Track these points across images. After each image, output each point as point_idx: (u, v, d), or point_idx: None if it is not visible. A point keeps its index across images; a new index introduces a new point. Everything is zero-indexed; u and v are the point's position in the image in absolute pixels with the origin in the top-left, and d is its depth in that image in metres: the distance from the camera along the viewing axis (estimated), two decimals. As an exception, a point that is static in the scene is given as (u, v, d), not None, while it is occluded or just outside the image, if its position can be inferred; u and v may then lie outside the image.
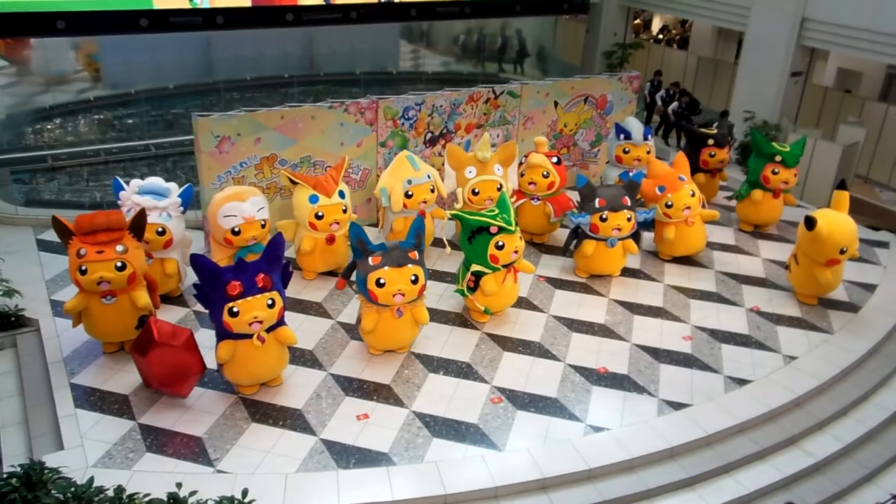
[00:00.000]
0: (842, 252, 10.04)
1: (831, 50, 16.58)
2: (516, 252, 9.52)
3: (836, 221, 9.98)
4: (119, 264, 8.30)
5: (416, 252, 8.72)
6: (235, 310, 7.67)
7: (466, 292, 9.83)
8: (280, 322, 8.12)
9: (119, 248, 8.34)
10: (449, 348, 9.46)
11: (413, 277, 8.58)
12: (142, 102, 18.05)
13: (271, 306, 7.80)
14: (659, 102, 17.78)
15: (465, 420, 8.20)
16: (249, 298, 7.68)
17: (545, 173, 11.61)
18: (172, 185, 9.91)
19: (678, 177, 11.31)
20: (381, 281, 8.48)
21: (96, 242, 8.28)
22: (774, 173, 12.35)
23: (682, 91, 17.24)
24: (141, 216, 8.69)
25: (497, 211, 9.51)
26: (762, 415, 8.50)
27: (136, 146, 15.86)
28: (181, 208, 9.89)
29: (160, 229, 9.55)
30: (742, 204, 12.97)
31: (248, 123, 10.89)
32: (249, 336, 7.86)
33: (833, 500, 7.95)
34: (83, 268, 8.25)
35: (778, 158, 12.29)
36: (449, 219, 11.05)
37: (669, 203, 11.18)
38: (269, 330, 7.99)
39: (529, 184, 11.67)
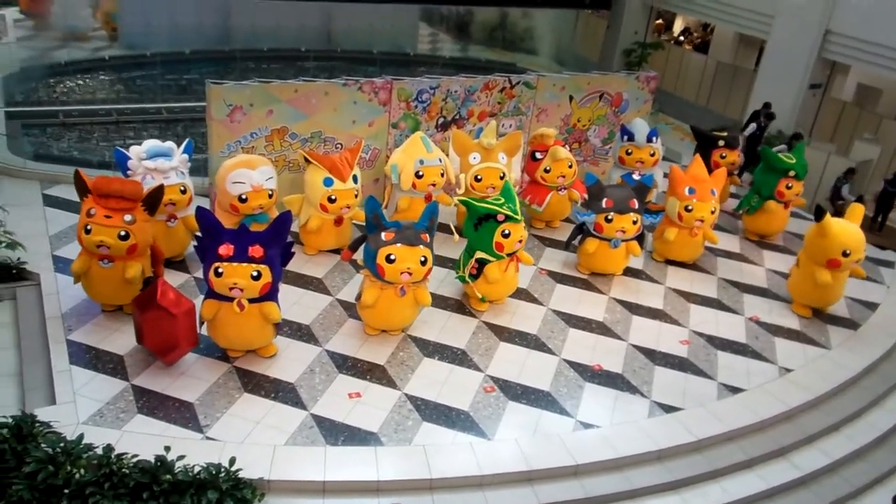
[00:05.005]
0: (845, 255, 9.99)
1: (853, 65, 16.43)
2: (521, 241, 9.56)
3: (846, 225, 10.09)
4: (123, 233, 8.29)
5: (427, 235, 8.76)
6: (220, 271, 7.75)
7: (468, 279, 9.84)
8: (269, 297, 8.08)
9: (128, 217, 8.34)
10: (445, 334, 9.46)
11: (422, 258, 8.60)
12: (157, 65, 17.97)
13: (255, 278, 7.78)
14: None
15: (456, 406, 8.22)
16: (235, 264, 7.73)
17: (570, 164, 11.86)
18: (171, 144, 9.90)
19: (711, 189, 11.26)
20: (392, 257, 8.47)
21: (108, 207, 8.29)
22: (788, 188, 12.33)
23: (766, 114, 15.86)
24: (159, 192, 8.68)
25: (503, 200, 9.52)
26: (752, 424, 8.50)
27: (148, 108, 15.82)
28: (188, 163, 9.97)
29: (182, 188, 9.63)
30: (753, 216, 12.86)
31: (262, 94, 10.84)
32: (232, 299, 7.92)
33: (816, 514, 7.99)
34: (88, 227, 8.28)
35: (791, 173, 12.25)
36: (454, 205, 11.04)
37: (690, 208, 11.10)
38: (254, 301, 7.99)
39: (559, 177, 11.80)
